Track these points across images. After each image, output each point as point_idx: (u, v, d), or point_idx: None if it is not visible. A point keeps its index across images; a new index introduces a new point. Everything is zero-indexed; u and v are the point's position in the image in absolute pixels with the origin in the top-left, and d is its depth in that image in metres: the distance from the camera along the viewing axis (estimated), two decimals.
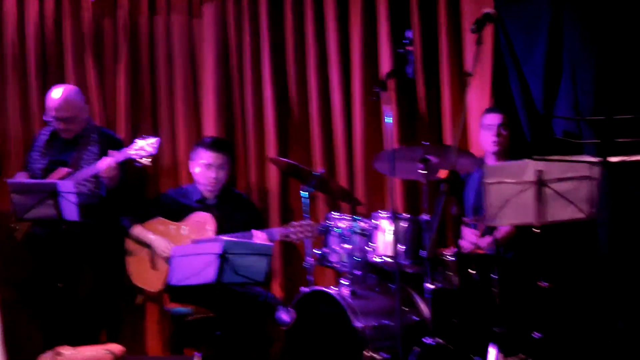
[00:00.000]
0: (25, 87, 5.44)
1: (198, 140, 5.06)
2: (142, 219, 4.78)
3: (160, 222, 4.76)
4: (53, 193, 4.32)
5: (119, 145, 4.86)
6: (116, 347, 3.83)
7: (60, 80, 5.28)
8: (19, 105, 5.43)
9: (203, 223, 4.68)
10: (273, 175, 5.24)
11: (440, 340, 3.81)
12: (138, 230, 4.75)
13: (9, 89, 5.41)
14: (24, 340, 4.85)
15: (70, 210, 4.38)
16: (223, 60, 5.43)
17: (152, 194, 5.32)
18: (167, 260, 4.48)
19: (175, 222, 4.75)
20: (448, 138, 4.79)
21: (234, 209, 4.85)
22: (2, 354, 3.26)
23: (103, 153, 4.73)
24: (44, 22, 5.49)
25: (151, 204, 4.97)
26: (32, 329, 4.89)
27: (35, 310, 4.82)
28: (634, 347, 4.05)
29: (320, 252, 4.37)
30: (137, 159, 4.62)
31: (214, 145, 4.84)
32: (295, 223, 4.48)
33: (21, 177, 4.85)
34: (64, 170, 4.75)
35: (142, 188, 5.37)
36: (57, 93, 4.84)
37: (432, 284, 3.97)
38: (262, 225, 4.80)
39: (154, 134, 4.81)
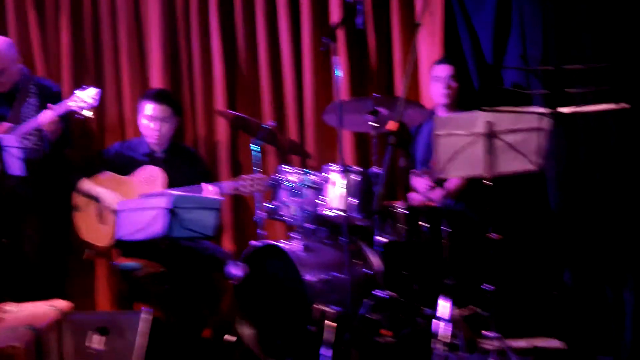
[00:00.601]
0: None
1: (143, 93, 4.97)
2: (89, 173, 4.69)
3: (108, 177, 4.68)
4: None
5: (58, 96, 4.76)
6: (62, 303, 3.77)
7: (1, 34, 5.13)
8: None
9: (153, 177, 4.60)
10: (222, 128, 5.18)
11: (391, 293, 3.83)
12: (85, 184, 4.67)
13: None
14: None
15: (15, 165, 4.29)
16: (168, 10, 5.31)
17: (98, 148, 5.22)
18: (111, 217, 4.43)
19: (123, 176, 4.68)
20: (399, 90, 4.77)
21: (183, 163, 4.78)
22: None
23: (42, 104, 4.64)
24: None
25: (97, 157, 4.88)
26: None
27: None
28: (579, 297, 4.13)
29: (270, 206, 4.34)
30: (78, 111, 4.52)
31: (156, 97, 4.75)
32: (245, 176, 4.44)
33: None
34: (5, 125, 4.64)
35: (88, 144, 5.26)
36: None
37: (382, 237, 3.98)
38: (212, 179, 4.75)
39: (94, 87, 4.70)
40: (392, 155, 3.92)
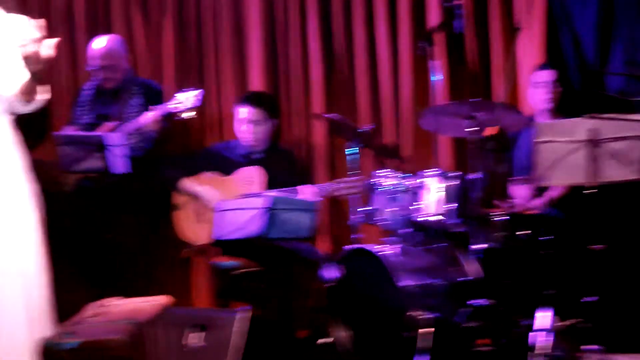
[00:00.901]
0: (74, 42, 5.47)
1: (240, 96, 5.04)
2: (189, 173, 4.79)
3: (208, 177, 4.77)
4: (100, 146, 4.36)
5: (160, 95, 4.90)
6: (163, 299, 3.85)
7: (108, 32, 5.28)
8: (69, 59, 5.47)
9: (251, 178, 4.67)
10: (319, 131, 5.22)
11: (489, 301, 3.78)
12: (186, 183, 4.77)
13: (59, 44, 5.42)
14: (70, 292, 4.91)
15: (118, 163, 4.42)
16: (269, 13, 5.38)
17: (197, 148, 5.33)
18: (210, 217, 4.52)
19: (222, 177, 4.76)
20: (496, 95, 4.72)
21: (280, 165, 4.83)
22: (49, 306, 3.30)
23: (146, 104, 4.78)
24: None
25: (198, 157, 4.97)
26: (77, 281, 4.95)
27: (82, 262, 4.88)
28: None
29: (366, 210, 4.34)
30: (179, 113, 4.63)
31: (249, 100, 4.81)
32: (341, 179, 4.45)
33: (69, 131, 4.89)
34: (110, 124, 4.79)
35: (188, 142, 5.38)
36: (99, 42, 4.90)
37: (480, 244, 3.93)
38: (308, 181, 4.78)
39: (195, 88, 4.80)
40: (490, 161, 3.88)
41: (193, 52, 5.50)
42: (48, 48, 2.99)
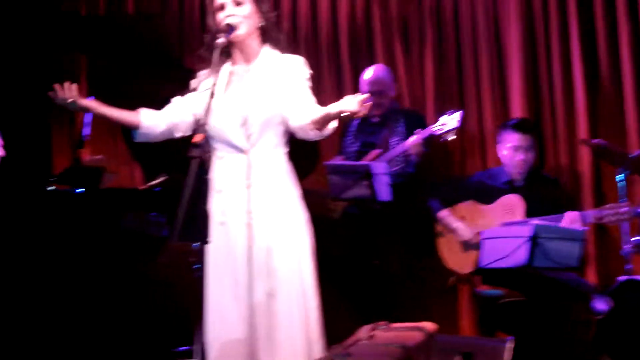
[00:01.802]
0: (339, 70, 5.72)
1: (503, 122, 5.02)
2: (450, 202, 4.84)
3: (469, 205, 4.79)
4: (367, 174, 4.51)
5: (423, 124, 4.98)
6: (429, 325, 3.90)
7: (371, 63, 5.48)
8: (334, 86, 5.72)
9: (512, 206, 4.64)
10: (584, 156, 5.07)
11: None
12: (443, 216, 4.82)
13: (324, 72, 5.71)
14: (337, 318, 5.09)
15: (383, 191, 4.54)
16: (528, 36, 5.32)
17: (458, 172, 5.38)
18: (474, 246, 4.54)
19: (483, 205, 4.76)
20: None
21: (543, 192, 4.75)
22: (322, 329, 3.46)
23: (409, 132, 4.89)
24: (354, 10, 5.73)
25: (459, 186, 5.01)
26: (345, 306, 5.12)
27: (350, 287, 5.05)
28: None
29: (638, 239, 4.16)
30: (441, 134, 4.72)
31: (520, 126, 4.77)
32: (608, 206, 4.30)
33: (338, 160, 5.12)
34: (375, 152, 4.96)
35: (449, 168, 5.44)
36: (369, 71, 5.16)
37: None
38: (573, 208, 4.66)
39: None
40: None
41: (452, 81, 5.56)
42: (356, 104, 3.12)
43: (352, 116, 3.11)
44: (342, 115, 3.11)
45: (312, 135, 3.29)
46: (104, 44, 4.66)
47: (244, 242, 3.33)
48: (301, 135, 3.34)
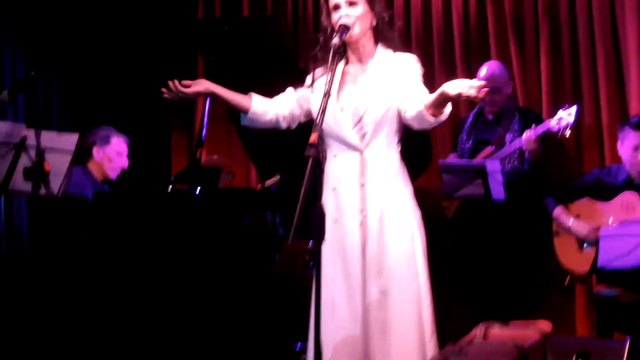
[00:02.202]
0: (452, 72, 5.68)
1: (624, 120, 4.90)
2: (566, 199, 4.76)
3: (584, 203, 4.71)
4: (481, 172, 4.47)
5: (539, 120, 4.92)
6: (545, 324, 3.85)
7: (485, 61, 5.42)
8: None
9: (632, 203, 4.53)
10: None
11: None
12: (558, 214, 4.74)
13: (436, 74, 5.70)
14: (450, 316, 5.08)
15: (498, 189, 4.50)
16: None
17: (575, 169, 5.28)
18: (590, 243, 4.46)
19: (600, 202, 4.66)
20: None
21: None
22: (435, 327, 3.47)
23: (524, 130, 4.83)
24: (467, 8, 5.70)
25: (576, 183, 4.92)
26: (458, 305, 5.11)
27: (463, 286, 5.04)
28: None
29: None
30: (558, 130, 4.66)
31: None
32: None
33: (451, 158, 5.11)
34: (489, 149, 4.93)
35: (566, 165, 5.34)
36: (483, 68, 5.12)
37: None
38: None
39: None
40: None
41: (567, 76, 5.46)
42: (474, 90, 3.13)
43: (472, 99, 3.09)
44: (461, 98, 3.10)
45: (428, 122, 3.26)
46: (220, 47, 4.78)
47: (358, 240, 3.36)
48: (417, 125, 3.32)
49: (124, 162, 5.26)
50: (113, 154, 5.20)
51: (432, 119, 3.25)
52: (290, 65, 4.99)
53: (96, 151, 5.17)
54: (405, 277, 3.37)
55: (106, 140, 5.19)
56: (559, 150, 5.29)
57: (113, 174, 5.23)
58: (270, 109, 3.58)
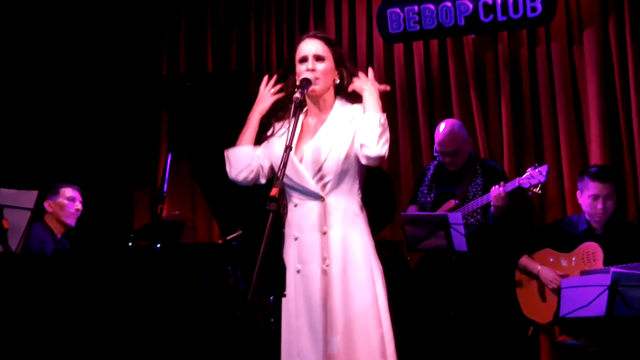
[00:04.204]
0: (415, 124, 5.77)
1: (583, 170, 4.96)
2: (529, 250, 4.79)
3: (547, 253, 4.74)
4: (444, 224, 4.50)
5: (502, 176, 4.96)
6: None
7: (447, 115, 5.50)
8: (409, 140, 5.77)
9: (591, 254, 4.57)
10: None
11: None
12: (525, 261, 4.77)
13: (399, 125, 5.78)
14: None
15: (460, 241, 4.53)
16: (606, 86, 5.29)
17: (538, 224, 5.32)
18: (555, 291, 4.47)
19: (562, 253, 4.70)
20: None
21: (624, 239, 4.66)
22: None
23: (487, 185, 4.87)
24: (430, 62, 5.79)
25: (538, 234, 4.95)
26: (421, 357, 5.07)
27: (426, 337, 5.01)
28: None
29: None
30: (528, 188, 4.71)
31: (599, 175, 4.70)
32: None
33: (412, 210, 5.13)
34: (452, 203, 4.95)
35: (530, 218, 5.39)
36: (441, 128, 5.09)
37: None
38: None
39: (538, 164, 4.83)
40: None
41: (529, 129, 5.55)
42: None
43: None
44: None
45: (382, 148, 3.30)
46: (183, 102, 4.80)
47: (320, 289, 3.34)
48: (374, 155, 3.31)
49: (77, 206, 5.40)
50: (64, 201, 5.36)
51: (382, 147, 3.31)
52: None
53: (48, 204, 5.34)
54: (368, 329, 3.35)
55: (55, 192, 5.37)
56: (526, 206, 5.35)
57: (70, 220, 5.37)
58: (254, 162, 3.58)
